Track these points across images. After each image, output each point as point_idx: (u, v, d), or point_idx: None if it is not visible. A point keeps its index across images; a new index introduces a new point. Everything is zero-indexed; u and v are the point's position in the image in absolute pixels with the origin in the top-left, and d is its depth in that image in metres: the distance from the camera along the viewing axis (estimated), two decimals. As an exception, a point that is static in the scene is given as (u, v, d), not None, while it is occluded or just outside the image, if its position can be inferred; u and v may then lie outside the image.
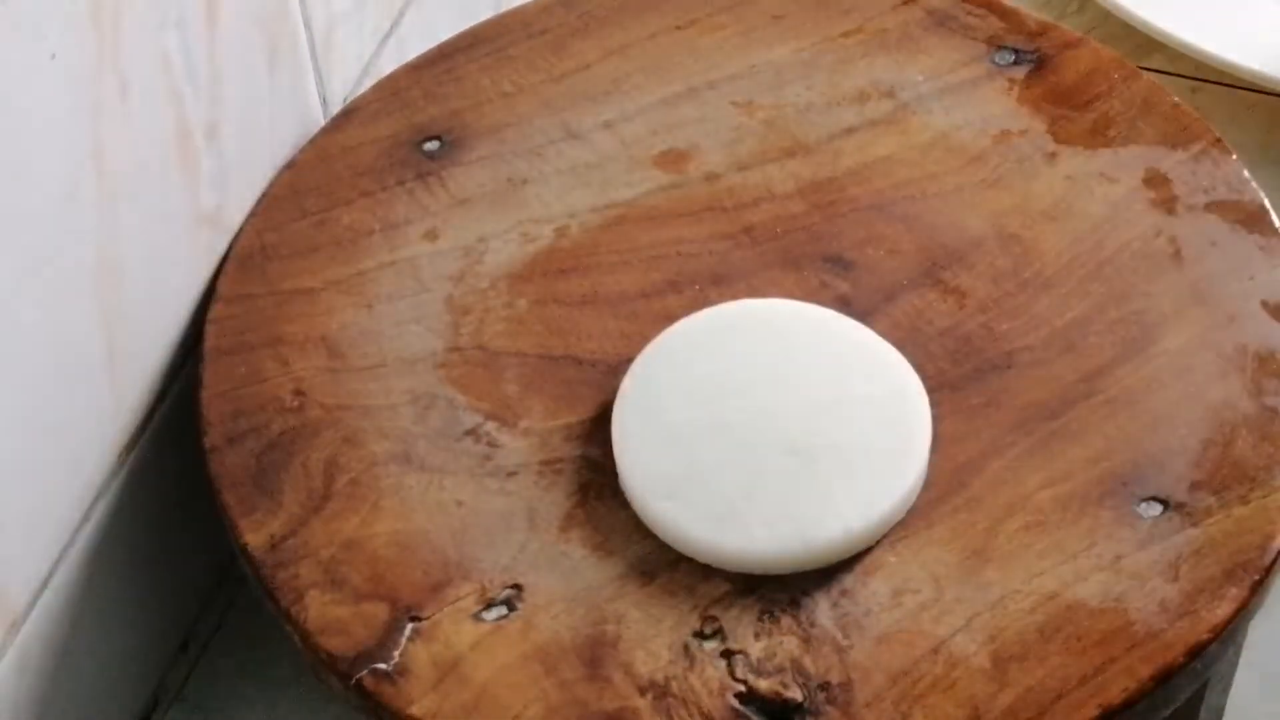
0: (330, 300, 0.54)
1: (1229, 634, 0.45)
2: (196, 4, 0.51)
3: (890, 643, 0.45)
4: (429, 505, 0.49)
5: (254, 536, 0.48)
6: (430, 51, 0.61)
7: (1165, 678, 0.44)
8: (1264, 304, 0.51)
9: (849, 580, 0.46)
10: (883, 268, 0.53)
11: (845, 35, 0.60)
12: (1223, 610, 0.45)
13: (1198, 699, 0.51)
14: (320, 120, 0.60)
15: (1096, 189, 0.55)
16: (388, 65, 0.62)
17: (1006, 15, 0.60)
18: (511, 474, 0.49)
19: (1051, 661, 0.44)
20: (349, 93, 0.62)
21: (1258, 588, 0.46)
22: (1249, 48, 0.72)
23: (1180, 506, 0.47)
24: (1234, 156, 0.55)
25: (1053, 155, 0.56)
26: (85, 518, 0.52)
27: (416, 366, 0.52)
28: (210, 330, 0.53)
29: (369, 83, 0.61)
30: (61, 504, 0.51)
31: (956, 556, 0.47)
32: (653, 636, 0.45)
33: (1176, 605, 0.45)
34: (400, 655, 0.45)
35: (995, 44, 0.59)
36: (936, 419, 0.49)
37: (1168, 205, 0.54)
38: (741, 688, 0.44)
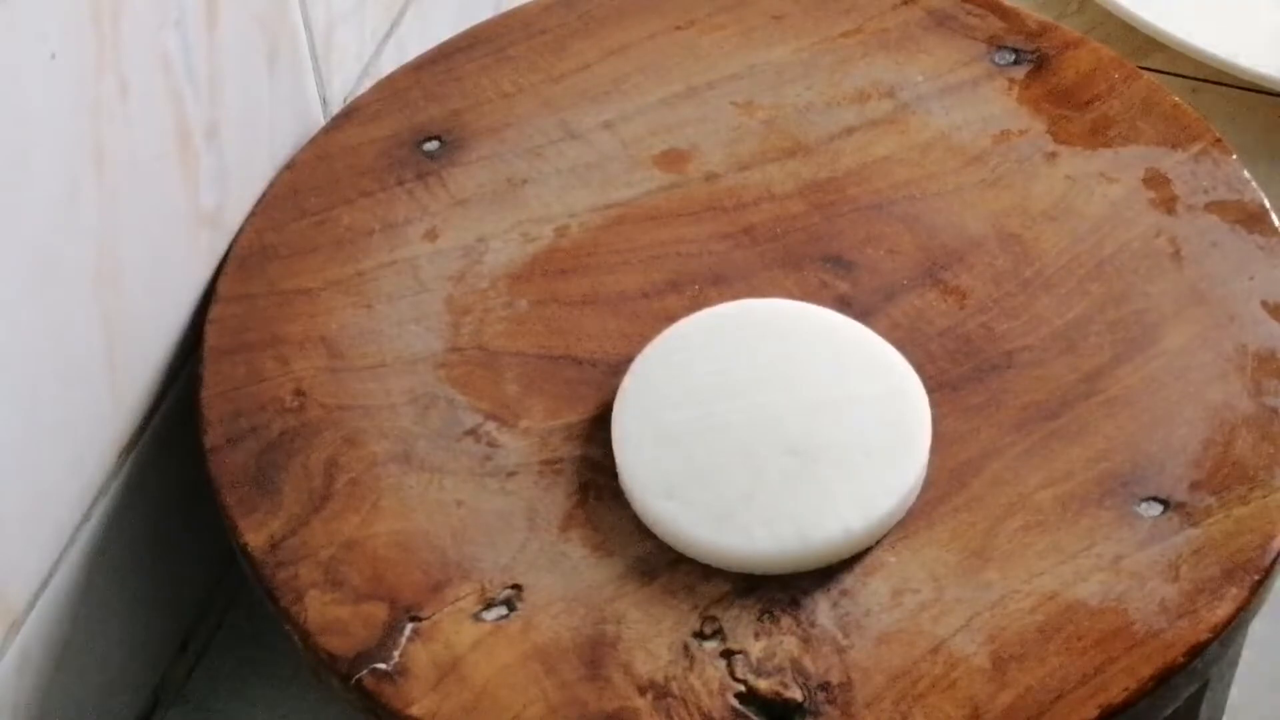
0: (330, 300, 0.54)
1: (1229, 634, 0.45)
2: (196, 4, 0.51)
3: (890, 643, 0.45)
4: (429, 505, 0.49)
5: (254, 536, 0.48)
6: (430, 51, 0.61)
7: (1165, 677, 0.44)
8: (1264, 304, 0.51)
9: (849, 580, 0.46)
10: (883, 268, 0.53)
11: (845, 35, 0.60)
12: (1223, 610, 0.45)
13: (1198, 699, 0.51)
14: (320, 120, 0.60)
15: (1096, 189, 0.55)
16: (388, 65, 0.62)
17: (1007, 15, 0.60)
18: (511, 474, 0.49)
19: (1051, 661, 0.44)
20: (349, 93, 0.62)
21: (1258, 588, 0.46)
22: (1249, 48, 0.72)
23: (1180, 506, 0.47)
24: (1234, 157, 0.55)
25: (1053, 155, 0.56)
26: (85, 518, 0.52)
27: (416, 366, 0.52)
28: (210, 330, 0.53)
29: (369, 83, 0.61)
30: (61, 504, 0.51)
31: (956, 556, 0.47)
32: (653, 636, 0.45)
33: (1176, 605, 0.45)
34: (400, 655, 0.45)
35: (995, 44, 0.59)
36: (936, 419, 0.49)
37: (1168, 205, 0.54)
38: (741, 688, 0.44)
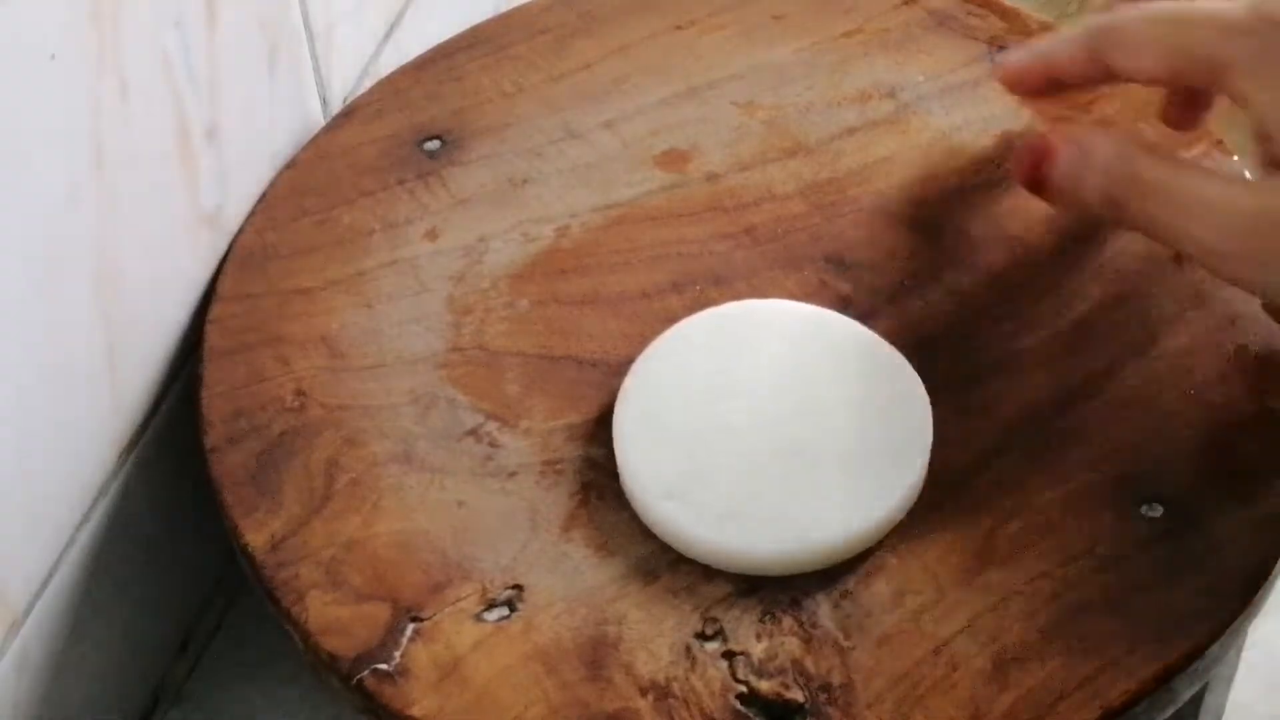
0: (331, 300, 0.53)
1: (1229, 635, 0.45)
2: (196, 4, 0.51)
3: (891, 644, 0.45)
4: (430, 505, 0.49)
5: (254, 536, 0.48)
6: (431, 51, 0.61)
7: (1166, 679, 0.44)
8: (1265, 305, 0.51)
9: (850, 581, 0.46)
10: (884, 268, 0.53)
11: (846, 35, 0.60)
12: (1224, 612, 0.45)
13: (1198, 700, 0.51)
14: (320, 120, 0.60)
15: (1097, 189, 0.55)
16: (388, 65, 0.62)
17: (1008, 15, 0.60)
18: (512, 474, 0.49)
19: (1052, 663, 0.44)
20: (349, 93, 0.62)
21: (1258, 589, 0.46)
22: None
23: (1181, 508, 0.47)
24: (1235, 158, 0.55)
25: (1054, 156, 0.56)
26: (85, 518, 0.52)
27: (417, 366, 0.52)
28: (210, 330, 0.53)
29: (369, 83, 0.61)
30: (61, 504, 0.51)
31: (958, 558, 0.46)
32: (654, 637, 0.45)
33: (1178, 607, 0.45)
34: (401, 656, 0.45)
35: (996, 44, 0.59)
36: (937, 420, 0.49)
37: (1169, 206, 0.54)
38: (743, 689, 0.44)
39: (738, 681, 0.45)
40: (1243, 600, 0.45)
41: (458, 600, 0.46)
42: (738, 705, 0.44)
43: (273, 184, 0.57)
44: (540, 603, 0.46)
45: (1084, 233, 0.54)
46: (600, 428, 0.50)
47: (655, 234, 0.55)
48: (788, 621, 0.46)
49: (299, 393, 0.51)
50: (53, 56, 0.45)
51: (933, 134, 0.57)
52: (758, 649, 0.45)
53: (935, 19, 0.60)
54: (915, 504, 0.48)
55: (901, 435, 0.48)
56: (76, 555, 0.52)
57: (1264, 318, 0.51)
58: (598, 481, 0.49)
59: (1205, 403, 0.49)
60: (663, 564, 0.47)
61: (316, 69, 0.59)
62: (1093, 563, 0.46)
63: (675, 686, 0.45)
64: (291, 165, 0.57)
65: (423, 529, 0.48)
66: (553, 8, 0.61)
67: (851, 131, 0.57)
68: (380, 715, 0.45)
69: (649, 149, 0.57)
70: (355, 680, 0.45)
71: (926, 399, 0.49)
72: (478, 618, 0.46)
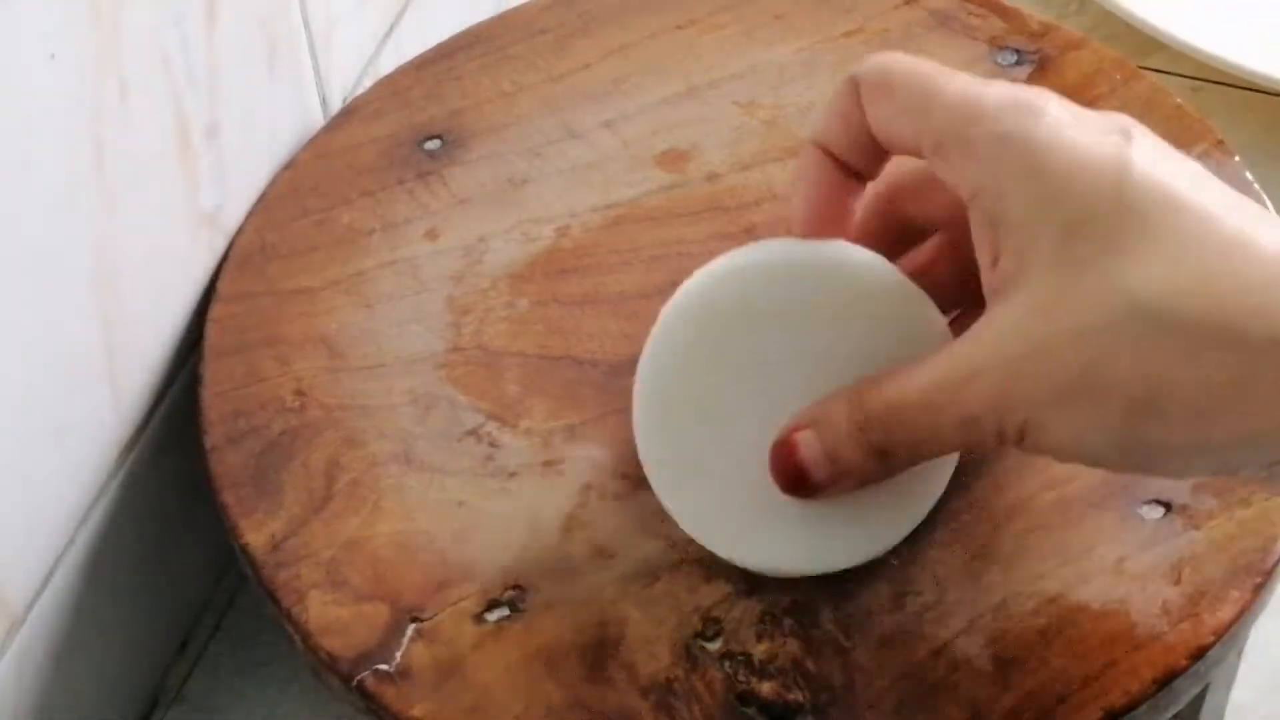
0: (330, 300, 0.53)
1: (1231, 636, 0.45)
2: (196, 4, 0.51)
3: (892, 645, 0.45)
4: (430, 506, 0.48)
5: (254, 536, 0.48)
6: (430, 51, 0.61)
7: (1167, 680, 0.44)
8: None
9: (851, 582, 0.46)
10: (884, 268, 0.53)
11: (847, 35, 0.60)
12: (1225, 613, 0.45)
13: (1199, 701, 0.51)
14: (320, 120, 0.60)
15: (1098, 190, 0.54)
16: (388, 65, 0.62)
17: (1008, 16, 0.60)
18: (513, 474, 0.49)
19: (1054, 664, 0.44)
20: (349, 93, 0.62)
21: (1260, 590, 0.46)
22: (1249, 48, 0.72)
23: (1182, 509, 0.47)
24: (1236, 158, 0.55)
25: (1054, 156, 0.55)
26: (85, 518, 0.52)
27: (417, 366, 0.52)
28: (210, 330, 0.53)
29: (369, 83, 0.61)
30: (61, 504, 0.51)
31: (958, 559, 0.46)
32: (655, 638, 0.45)
33: (1179, 608, 0.45)
34: (402, 656, 0.45)
35: (997, 44, 0.59)
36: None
37: (1169, 206, 0.54)
38: (744, 689, 0.44)
39: (738, 682, 0.45)
40: (1244, 602, 0.45)
41: (458, 600, 0.46)
42: (738, 706, 0.44)
43: (272, 184, 0.57)
44: (541, 603, 0.46)
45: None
46: (600, 427, 0.50)
47: (655, 234, 0.55)
48: (788, 622, 0.46)
49: (299, 393, 0.51)
50: (52, 56, 0.45)
51: (933, 134, 0.57)
52: (758, 650, 0.45)
53: (936, 19, 0.60)
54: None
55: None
56: (76, 555, 0.51)
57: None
58: (598, 482, 0.49)
59: (1206, 403, 0.49)
60: (663, 564, 0.47)
61: (316, 69, 0.59)
62: (1093, 564, 0.46)
63: (676, 687, 0.44)
64: (291, 165, 0.57)
65: (423, 529, 0.48)
66: (552, 8, 0.61)
67: (852, 131, 0.57)
68: (380, 716, 0.45)
69: (649, 149, 0.57)
70: (355, 681, 0.45)
71: None
72: (478, 618, 0.46)
